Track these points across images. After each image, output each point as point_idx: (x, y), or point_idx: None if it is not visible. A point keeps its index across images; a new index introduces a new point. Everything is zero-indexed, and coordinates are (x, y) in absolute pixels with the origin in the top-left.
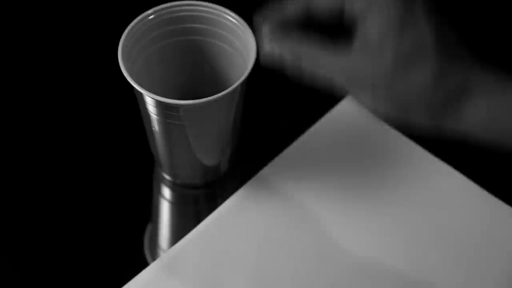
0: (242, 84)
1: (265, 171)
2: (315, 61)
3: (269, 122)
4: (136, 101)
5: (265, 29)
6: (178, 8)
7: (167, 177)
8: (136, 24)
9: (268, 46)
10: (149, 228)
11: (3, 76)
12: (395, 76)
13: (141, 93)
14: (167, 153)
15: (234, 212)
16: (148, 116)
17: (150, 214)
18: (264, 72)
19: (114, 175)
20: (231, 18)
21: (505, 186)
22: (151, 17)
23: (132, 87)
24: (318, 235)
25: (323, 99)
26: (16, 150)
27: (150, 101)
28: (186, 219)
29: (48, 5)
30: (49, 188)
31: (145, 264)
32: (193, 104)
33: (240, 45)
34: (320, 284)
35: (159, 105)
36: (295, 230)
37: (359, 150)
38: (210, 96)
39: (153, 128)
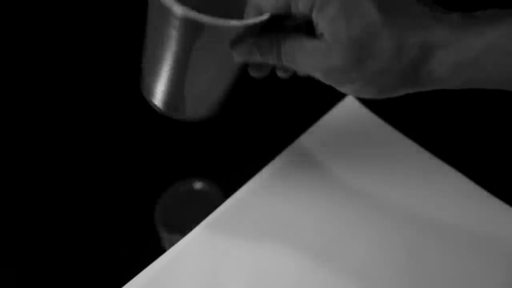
0: (263, 22)
1: (265, 170)
2: (293, 60)
3: (269, 122)
4: (138, 96)
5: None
6: None
7: (156, 104)
8: None
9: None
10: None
11: None
12: (360, 63)
13: (165, 7)
14: (163, 74)
15: (234, 211)
16: (157, 29)
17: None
18: None
19: (117, 176)
20: None
21: (505, 186)
22: None
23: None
24: (318, 235)
25: (323, 99)
26: (16, 147)
27: (175, 15)
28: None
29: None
30: (50, 186)
31: (145, 264)
32: (216, 24)
33: None
34: (319, 283)
35: (187, 23)
36: (295, 230)
37: (359, 149)
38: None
39: (156, 42)
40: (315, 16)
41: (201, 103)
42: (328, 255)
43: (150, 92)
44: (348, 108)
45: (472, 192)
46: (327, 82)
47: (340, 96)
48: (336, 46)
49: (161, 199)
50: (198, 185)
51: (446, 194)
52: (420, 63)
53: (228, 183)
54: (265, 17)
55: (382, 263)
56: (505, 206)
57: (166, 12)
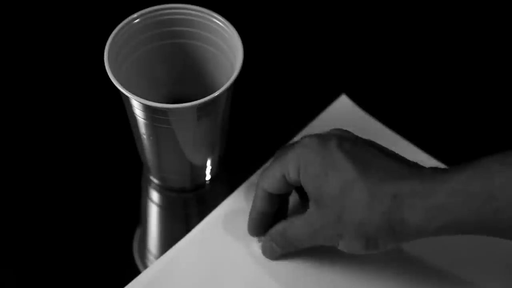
0: (229, 87)
1: (262, 170)
2: (290, 241)
3: (262, 122)
4: (123, 105)
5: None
6: (163, 11)
7: (155, 181)
8: (122, 27)
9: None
10: (138, 232)
11: None
12: (339, 218)
13: (128, 97)
14: (155, 157)
15: (233, 211)
16: (136, 120)
17: (139, 218)
18: (257, 74)
19: (102, 179)
20: (217, 21)
21: None
22: (136, 20)
23: (119, 91)
24: None
25: (316, 99)
26: (1, 159)
27: (137, 105)
28: (175, 223)
29: (35, 8)
30: (38, 193)
31: (135, 269)
32: (181, 108)
33: (227, 48)
34: (318, 284)
35: (147, 109)
36: None
37: None
38: (198, 99)
39: (141, 132)
40: (301, 177)
41: (182, 175)
42: (328, 254)
43: (145, 167)
44: (342, 108)
45: None
46: (320, 243)
47: (334, 96)
48: (315, 206)
49: None
50: None
51: None
52: (394, 211)
53: (217, 185)
54: (221, 90)
55: (380, 263)
56: None
57: (130, 101)
